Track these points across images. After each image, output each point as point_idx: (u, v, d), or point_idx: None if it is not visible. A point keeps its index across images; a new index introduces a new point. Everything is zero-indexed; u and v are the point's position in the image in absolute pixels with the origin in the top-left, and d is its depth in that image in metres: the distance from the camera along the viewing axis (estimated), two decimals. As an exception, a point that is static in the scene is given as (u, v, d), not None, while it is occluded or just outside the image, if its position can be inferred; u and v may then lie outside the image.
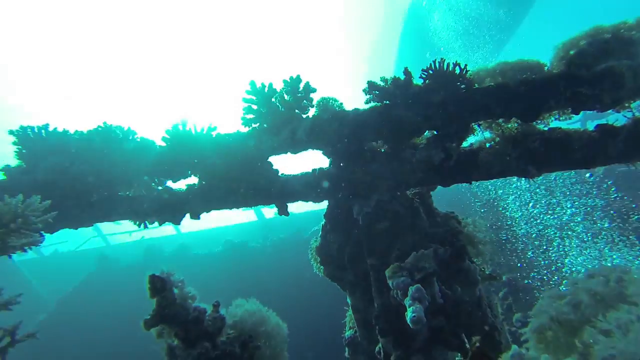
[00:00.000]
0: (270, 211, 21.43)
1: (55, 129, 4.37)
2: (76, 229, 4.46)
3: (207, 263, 17.55)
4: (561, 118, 3.53)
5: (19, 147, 4.30)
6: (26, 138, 4.31)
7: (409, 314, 2.63)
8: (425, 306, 2.75)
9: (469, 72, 3.40)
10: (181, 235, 22.99)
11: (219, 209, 4.34)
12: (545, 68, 3.35)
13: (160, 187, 4.46)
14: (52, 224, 3.49)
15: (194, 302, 2.99)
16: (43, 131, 4.33)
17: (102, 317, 15.80)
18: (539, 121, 3.52)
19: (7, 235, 2.40)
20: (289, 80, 3.88)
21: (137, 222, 4.47)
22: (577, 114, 3.31)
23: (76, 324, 16.06)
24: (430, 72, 3.47)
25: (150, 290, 2.87)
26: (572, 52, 3.17)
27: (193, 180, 4.38)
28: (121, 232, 21.54)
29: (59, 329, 15.87)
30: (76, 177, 4.19)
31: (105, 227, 22.07)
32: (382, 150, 4.03)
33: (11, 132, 4.30)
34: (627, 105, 3.31)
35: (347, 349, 4.62)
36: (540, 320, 2.08)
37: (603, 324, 1.73)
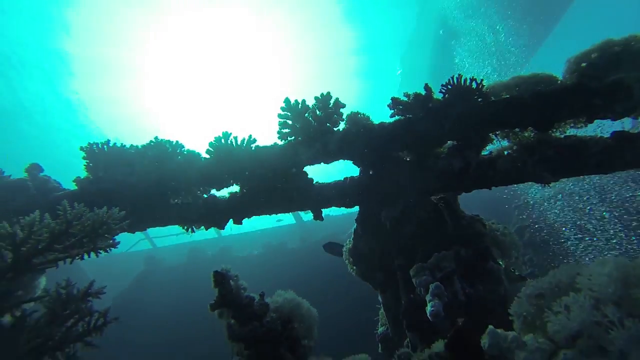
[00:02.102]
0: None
1: (115, 144, 4.85)
2: (133, 233, 5.02)
3: (247, 265, 18.28)
4: (577, 127, 3.66)
5: (87, 161, 4.79)
6: (92, 153, 4.80)
7: (428, 308, 2.94)
8: (444, 302, 3.04)
9: (485, 87, 3.63)
10: (222, 237, 23.97)
11: (259, 214, 4.76)
12: (558, 81, 3.52)
13: (205, 195, 4.88)
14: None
15: (245, 292, 3.67)
16: (105, 147, 4.80)
17: (152, 311, 16.91)
18: (555, 129, 3.68)
19: (97, 239, 3.01)
20: (320, 97, 4.19)
21: (186, 228, 4.94)
22: (591, 122, 3.46)
23: (130, 319, 17.29)
24: (449, 87, 3.74)
25: (214, 282, 3.52)
26: (583, 65, 3.33)
27: (235, 188, 4.75)
28: (167, 235, 22.76)
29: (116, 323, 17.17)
30: (132, 187, 4.67)
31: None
32: (407, 159, 4.30)
33: (81, 148, 4.88)
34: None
35: (379, 344, 4.91)
36: (518, 307, 2.55)
37: (555, 306, 2.16)
